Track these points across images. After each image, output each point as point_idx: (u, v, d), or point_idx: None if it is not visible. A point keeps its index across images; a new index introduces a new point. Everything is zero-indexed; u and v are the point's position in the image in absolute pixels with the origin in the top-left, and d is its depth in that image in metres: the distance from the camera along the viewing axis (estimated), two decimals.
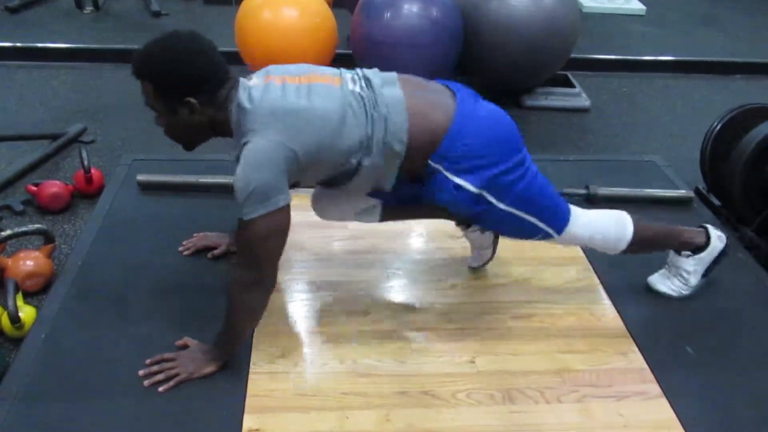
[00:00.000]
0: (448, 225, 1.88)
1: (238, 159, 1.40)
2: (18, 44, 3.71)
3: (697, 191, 2.55)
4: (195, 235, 1.99)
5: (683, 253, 1.83)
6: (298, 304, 1.81)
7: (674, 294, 1.87)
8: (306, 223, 2.14)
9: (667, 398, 1.57)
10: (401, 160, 1.49)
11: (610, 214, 1.72)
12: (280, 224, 1.41)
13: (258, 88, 1.43)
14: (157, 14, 4.38)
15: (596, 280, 1.95)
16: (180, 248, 1.96)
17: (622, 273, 1.96)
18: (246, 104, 1.41)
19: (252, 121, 1.39)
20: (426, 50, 3.10)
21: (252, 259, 1.43)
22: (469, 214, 1.58)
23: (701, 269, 1.84)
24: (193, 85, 1.41)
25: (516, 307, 1.83)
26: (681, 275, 1.85)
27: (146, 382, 1.50)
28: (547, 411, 1.52)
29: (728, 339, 1.77)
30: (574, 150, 3.06)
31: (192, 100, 1.41)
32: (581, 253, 2.05)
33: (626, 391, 1.58)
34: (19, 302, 1.75)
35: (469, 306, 1.83)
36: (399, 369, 1.61)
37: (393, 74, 1.55)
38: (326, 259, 2.00)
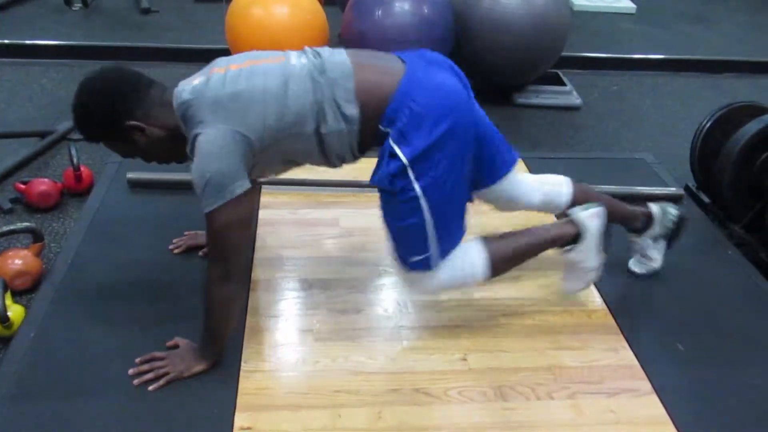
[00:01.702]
0: None
1: (191, 154, 1.40)
2: (6, 41, 3.68)
3: (687, 189, 2.56)
4: (185, 233, 1.98)
5: (565, 249, 1.73)
6: (289, 302, 1.81)
7: (583, 287, 1.80)
8: (297, 220, 2.14)
9: (658, 394, 1.57)
10: (359, 123, 1.45)
11: (460, 247, 1.60)
12: (240, 212, 1.40)
13: (200, 83, 1.42)
14: (146, 11, 4.35)
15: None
16: (170, 247, 1.95)
17: (613, 270, 1.96)
18: (188, 100, 1.40)
19: (197, 114, 1.39)
20: (417, 48, 3.10)
21: (219, 251, 1.43)
22: (384, 193, 1.50)
23: (594, 254, 1.72)
24: (117, 111, 1.41)
25: (507, 305, 1.84)
26: (577, 268, 1.75)
27: (136, 381, 1.49)
28: (538, 408, 1.52)
29: (718, 335, 1.79)
30: (564, 148, 3.07)
31: (130, 122, 1.42)
32: None
33: (617, 387, 1.59)
34: (8, 301, 1.74)
35: (460, 303, 1.83)
36: (391, 366, 1.61)
37: (342, 48, 1.54)
38: (317, 256, 1.99)
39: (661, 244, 1.93)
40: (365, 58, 1.52)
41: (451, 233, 1.56)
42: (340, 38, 3.45)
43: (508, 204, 1.77)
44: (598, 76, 3.96)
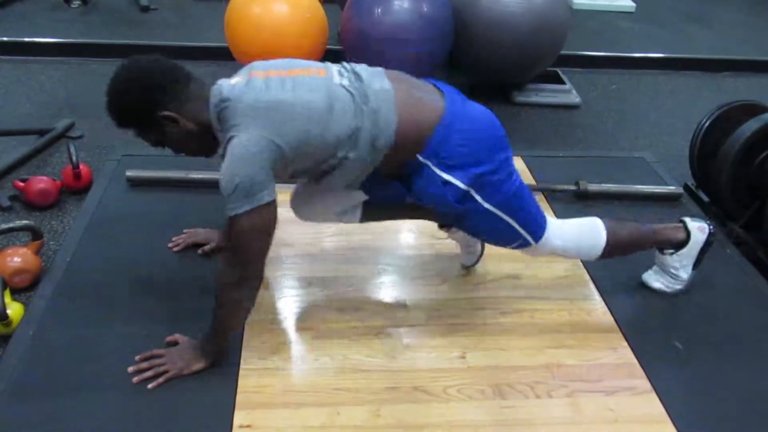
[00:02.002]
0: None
1: (223, 155, 1.39)
2: (4, 38, 3.67)
3: (686, 187, 2.56)
4: (185, 231, 1.98)
5: (666, 251, 1.84)
6: (288, 300, 1.81)
7: (668, 290, 1.88)
8: (296, 219, 2.14)
9: (657, 393, 1.58)
10: (386, 155, 1.47)
11: (582, 222, 1.71)
12: (265, 220, 1.39)
13: (240, 84, 1.42)
14: (145, 9, 4.34)
15: (586, 276, 1.96)
16: (169, 244, 1.95)
17: (611, 269, 1.96)
18: (227, 100, 1.39)
19: (235, 116, 1.38)
20: (416, 46, 3.09)
21: (238, 255, 1.42)
22: (454, 212, 1.56)
23: (688, 263, 1.84)
24: (154, 101, 1.41)
25: (506, 303, 1.84)
26: (670, 272, 1.86)
27: (135, 379, 1.50)
28: (537, 406, 1.53)
29: (716, 334, 1.79)
30: (563, 146, 3.07)
31: (165, 112, 1.41)
32: None
33: (616, 385, 1.59)
34: (7, 299, 1.74)
35: (459, 301, 1.84)
36: (390, 365, 1.61)
37: (381, 69, 1.54)
38: (317, 255, 1.99)
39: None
40: (406, 86, 1.51)
41: (533, 214, 1.62)
42: (340, 36, 3.45)
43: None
44: (597, 74, 3.96)
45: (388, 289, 1.88)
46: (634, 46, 4.34)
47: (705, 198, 2.49)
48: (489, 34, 3.19)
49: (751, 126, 2.24)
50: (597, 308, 1.85)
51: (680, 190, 2.43)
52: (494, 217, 1.55)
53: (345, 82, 1.45)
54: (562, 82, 3.59)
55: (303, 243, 2.03)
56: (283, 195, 2.23)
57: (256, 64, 1.50)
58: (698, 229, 1.81)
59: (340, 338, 1.68)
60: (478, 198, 1.51)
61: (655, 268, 1.91)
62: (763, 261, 2.13)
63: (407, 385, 1.56)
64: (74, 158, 2.34)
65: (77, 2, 4.35)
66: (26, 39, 3.71)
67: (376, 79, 1.48)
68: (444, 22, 3.17)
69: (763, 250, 2.17)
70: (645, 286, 1.91)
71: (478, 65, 3.33)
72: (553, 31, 3.25)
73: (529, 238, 1.61)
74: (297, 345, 1.66)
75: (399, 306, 1.81)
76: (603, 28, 4.74)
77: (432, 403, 1.51)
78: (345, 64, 1.53)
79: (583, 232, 1.70)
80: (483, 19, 3.19)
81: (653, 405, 1.55)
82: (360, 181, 1.58)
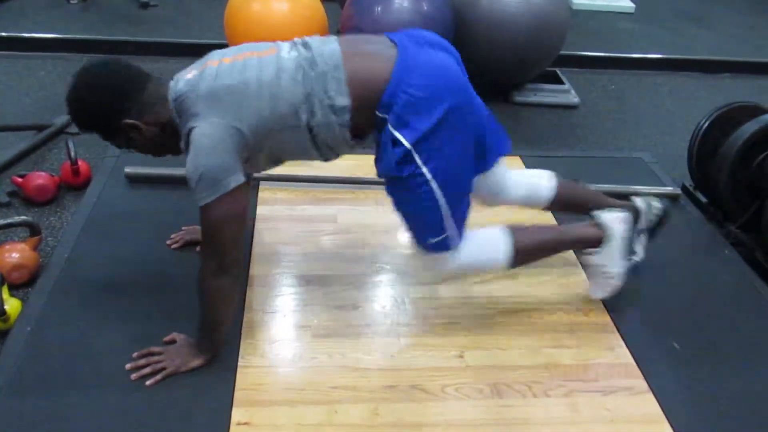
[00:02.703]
0: None
1: (186, 148, 1.39)
2: (3, 34, 3.66)
3: (684, 188, 2.57)
4: (183, 228, 1.98)
5: (586, 251, 1.76)
6: (286, 298, 1.81)
7: (607, 293, 1.79)
8: (294, 217, 2.14)
9: (654, 393, 1.58)
10: (351, 115, 1.44)
11: (486, 231, 1.66)
12: (234, 207, 1.40)
13: (194, 77, 1.42)
14: (145, 5, 4.33)
15: (584, 276, 1.96)
16: (168, 242, 1.95)
17: None
18: (183, 94, 1.40)
19: (191, 108, 1.38)
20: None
21: (212, 245, 1.43)
22: (393, 180, 1.50)
23: (616, 258, 1.73)
24: (114, 110, 1.41)
25: (504, 302, 1.84)
26: (600, 272, 1.77)
27: (133, 376, 1.50)
28: (534, 405, 1.53)
29: (714, 334, 1.79)
30: (562, 146, 3.07)
31: (126, 121, 1.41)
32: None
33: (613, 385, 1.60)
34: (5, 295, 1.73)
35: (457, 301, 1.84)
36: (388, 363, 1.61)
37: (332, 36, 1.53)
38: (315, 253, 1.99)
39: (643, 238, 1.86)
40: (356, 45, 1.51)
41: (463, 211, 1.57)
42: (339, 35, 3.45)
43: (493, 196, 1.78)
44: (596, 75, 3.96)
45: (386, 287, 1.88)
46: (633, 47, 4.34)
47: (703, 199, 2.50)
48: (488, 34, 3.19)
49: (750, 127, 2.25)
50: (595, 308, 1.85)
51: (678, 190, 2.44)
52: (426, 191, 1.47)
53: (293, 54, 1.45)
54: (561, 82, 3.59)
55: (302, 241, 2.03)
56: (281, 192, 2.25)
57: (212, 53, 1.50)
58: (615, 221, 1.73)
59: (338, 336, 1.68)
60: (418, 161, 1.44)
61: (588, 275, 1.84)
62: (761, 262, 2.13)
63: (405, 383, 1.56)
64: (73, 154, 2.34)
65: None
66: (25, 35, 3.70)
67: (326, 44, 1.48)
68: (444, 21, 3.17)
69: (761, 251, 2.17)
70: (644, 286, 1.92)
71: (478, 65, 3.32)
72: (553, 31, 3.25)
73: (451, 233, 1.53)
74: (295, 343, 1.66)
75: (397, 304, 1.81)
76: (602, 28, 4.74)
77: (430, 402, 1.52)
78: (297, 39, 1.52)
79: (489, 243, 1.64)
80: (483, 19, 3.19)
81: (650, 405, 1.55)
82: (345, 146, 1.53)
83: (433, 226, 1.53)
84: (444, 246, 1.56)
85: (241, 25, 3.19)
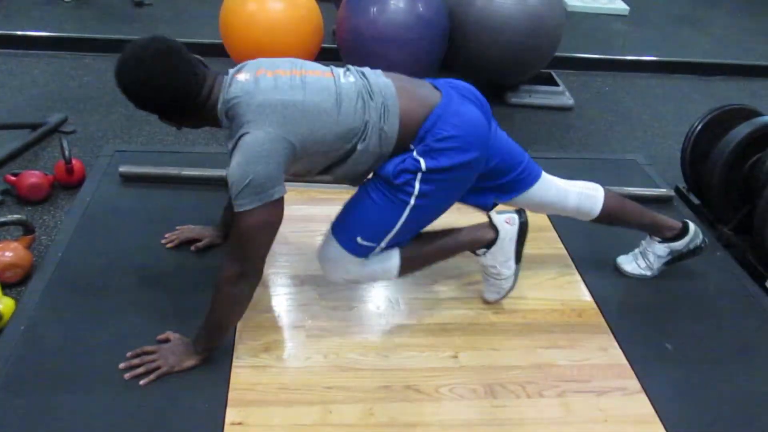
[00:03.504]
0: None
1: (232, 152, 1.39)
2: None
3: (677, 190, 2.58)
4: (178, 227, 1.98)
5: (478, 251, 1.76)
6: (281, 298, 1.81)
7: (500, 295, 1.82)
8: (290, 216, 2.13)
9: (647, 393, 1.59)
10: (394, 144, 1.50)
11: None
12: (274, 216, 1.41)
13: (249, 81, 1.42)
14: (139, 4, 4.32)
15: (578, 277, 1.97)
16: (162, 241, 1.94)
17: (603, 270, 1.98)
18: (238, 97, 1.40)
19: (247, 113, 1.38)
20: (412, 46, 3.10)
21: (241, 250, 1.43)
22: (382, 181, 1.53)
23: (505, 259, 1.75)
24: (178, 104, 1.43)
25: (499, 303, 1.85)
26: (491, 273, 1.78)
27: (127, 375, 1.49)
28: (528, 405, 1.53)
29: (706, 335, 1.80)
30: (556, 148, 3.08)
31: (177, 114, 1.47)
32: (563, 251, 2.08)
33: (606, 386, 1.61)
34: None
35: (452, 301, 1.84)
36: (382, 363, 1.62)
37: (378, 70, 1.59)
38: (310, 253, 1.98)
39: (668, 260, 1.96)
40: (405, 82, 1.56)
41: (404, 241, 1.62)
42: (335, 35, 3.44)
43: (539, 208, 1.83)
44: (590, 77, 3.98)
45: (380, 288, 1.88)
46: (627, 49, 4.36)
47: (696, 201, 2.51)
48: (484, 35, 3.20)
49: (742, 130, 2.26)
50: (588, 309, 1.86)
51: (671, 192, 2.45)
52: (398, 208, 1.52)
53: (351, 79, 1.50)
54: (556, 84, 3.61)
55: (297, 241, 2.03)
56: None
57: (262, 61, 1.51)
58: (505, 222, 1.74)
59: (333, 337, 1.68)
60: (416, 182, 1.49)
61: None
62: (753, 264, 2.15)
63: (400, 384, 1.56)
64: (67, 153, 2.33)
65: None
66: (19, 32, 3.68)
67: (378, 77, 1.54)
68: (439, 22, 3.18)
69: (753, 252, 2.18)
70: (637, 288, 1.93)
71: (473, 66, 3.34)
72: (548, 33, 3.26)
73: (378, 248, 1.58)
74: (290, 343, 1.66)
75: (392, 305, 1.82)
76: (597, 30, 4.76)
77: (424, 402, 1.52)
78: (351, 66, 1.57)
79: (383, 258, 1.63)
80: (477, 21, 3.19)
81: (643, 405, 1.56)
82: (370, 171, 1.57)
83: (374, 233, 1.57)
84: (362, 253, 1.59)
85: (236, 24, 3.18)
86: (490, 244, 1.73)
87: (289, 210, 2.19)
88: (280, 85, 1.42)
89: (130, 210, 2.09)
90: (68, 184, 2.37)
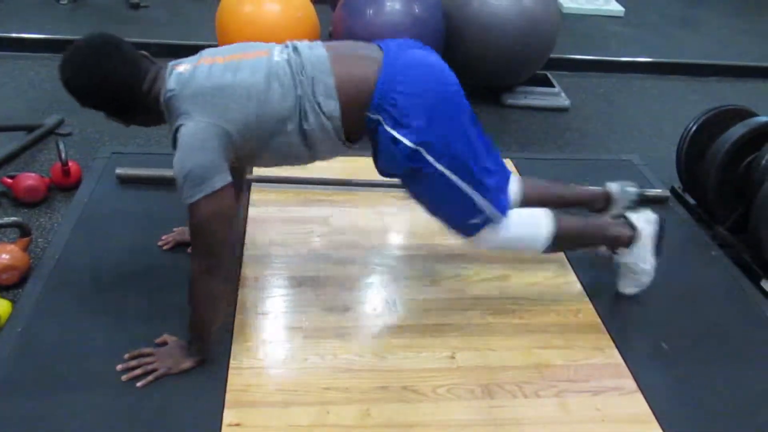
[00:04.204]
0: (430, 221, 1.88)
1: (174, 144, 1.40)
2: None
3: (672, 190, 2.59)
4: (174, 229, 1.97)
5: (618, 251, 1.80)
6: (278, 299, 1.81)
7: (639, 288, 1.86)
8: (286, 218, 2.15)
9: (643, 393, 1.59)
10: (342, 118, 1.46)
11: (529, 209, 1.71)
12: (221, 206, 1.40)
13: (186, 72, 1.43)
14: (135, 6, 4.31)
15: (574, 278, 1.98)
16: (159, 243, 1.94)
17: (599, 271, 1.98)
18: (174, 90, 1.41)
19: (180, 105, 1.39)
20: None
21: (201, 244, 1.43)
22: (405, 173, 1.53)
23: (646, 255, 1.80)
24: (119, 99, 1.44)
25: (495, 304, 1.85)
26: (633, 269, 1.82)
27: (124, 377, 1.49)
28: (525, 405, 1.54)
29: (702, 335, 1.81)
30: (552, 149, 3.09)
31: (121, 109, 1.48)
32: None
33: (603, 386, 1.61)
34: None
35: (449, 302, 1.84)
36: (380, 364, 1.62)
37: (319, 41, 1.56)
38: (307, 254, 1.99)
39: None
40: (343, 49, 1.54)
41: (493, 181, 1.57)
42: (331, 37, 3.45)
43: None
44: (586, 78, 3.99)
45: (377, 288, 1.89)
46: (622, 50, 4.37)
47: (692, 201, 2.52)
48: (479, 37, 3.21)
49: (737, 130, 2.28)
50: (585, 309, 1.86)
51: (667, 193, 2.46)
52: (447, 182, 1.50)
53: (284, 56, 1.47)
54: (552, 85, 3.62)
55: (293, 242, 2.03)
56: (273, 194, 2.25)
57: (206, 51, 1.51)
58: (644, 222, 1.78)
59: (330, 338, 1.68)
60: (427, 157, 1.47)
61: (620, 273, 1.87)
62: (748, 263, 2.16)
63: (397, 384, 1.56)
64: (63, 155, 2.33)
65: None
66: (14, 35, 3.68)
67: (314, 49, 1.50)
68: (435, 24, 3.18)
69: (748, 252, 2.19)
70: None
71: (469, 67, 3.34)
72: (543, 34, 3.27)
73: (488, 208, 1.55)
74: (287, 344, 1.66)
75: (389, 306, 1.82)
76: (592, 32, 4.77)
77: (421, 402, 1.52)
78: (288, 42, 1.54)
79: (533, 220, 1.66)
80: (473, 22, 3.20)
81: (639, 405, 1.57)
82: (341, 148, 1.55)
83: (463, 211, 1.56)
84: (486, 221, 1.57)
85: (232, 26, 3.19)
86: (629, 243, 1.76)
87: (285, 211, 2.20)
88: (214, 71, 1.42)
89: (127, 212, 2.09)
90: (65, 186, 2.37)
